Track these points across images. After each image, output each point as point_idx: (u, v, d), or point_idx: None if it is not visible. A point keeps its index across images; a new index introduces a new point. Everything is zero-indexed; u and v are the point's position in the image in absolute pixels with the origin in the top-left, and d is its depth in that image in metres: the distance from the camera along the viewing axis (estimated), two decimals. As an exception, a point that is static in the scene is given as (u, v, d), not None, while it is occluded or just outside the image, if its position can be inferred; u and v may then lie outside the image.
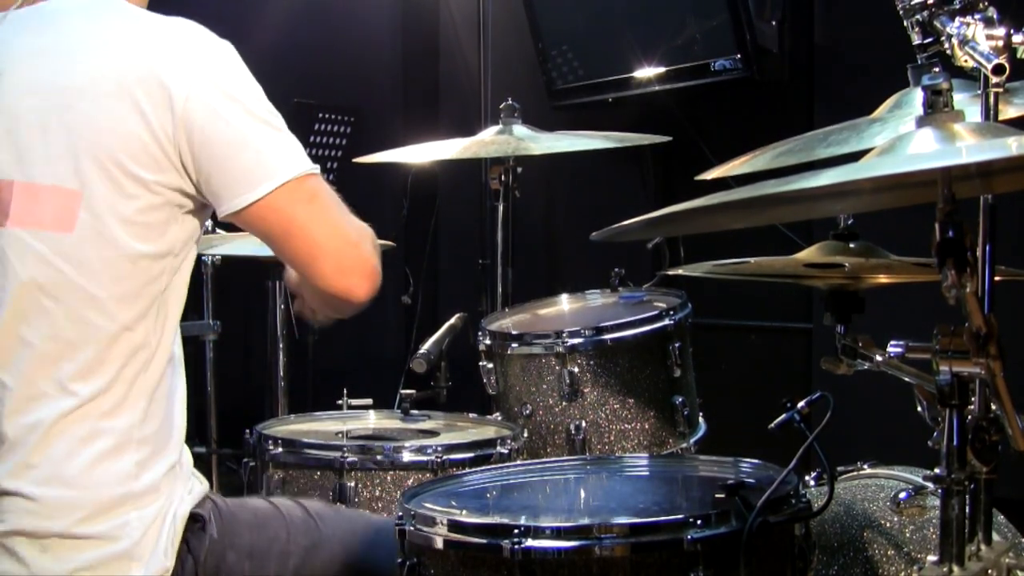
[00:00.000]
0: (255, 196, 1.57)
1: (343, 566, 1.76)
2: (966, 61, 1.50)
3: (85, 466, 1.55)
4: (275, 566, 1.70)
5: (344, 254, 1.62)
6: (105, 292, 1.56)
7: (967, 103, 1.63)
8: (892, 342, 1.70)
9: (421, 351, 2.68)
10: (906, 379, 1.71)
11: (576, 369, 2.45)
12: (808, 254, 1.99)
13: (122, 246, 1.56)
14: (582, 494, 1.86)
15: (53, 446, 1.54)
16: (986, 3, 1.52)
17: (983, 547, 1.51)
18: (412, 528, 1.59)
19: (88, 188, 1.54)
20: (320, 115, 4.35)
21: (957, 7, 1.54)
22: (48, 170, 1.55)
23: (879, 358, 1.78)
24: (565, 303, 2.86)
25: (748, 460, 1.80)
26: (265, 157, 1.58)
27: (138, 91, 1.54)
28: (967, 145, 1.39)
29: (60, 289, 1.55)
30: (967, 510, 1.44)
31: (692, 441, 2.54)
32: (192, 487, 1.67)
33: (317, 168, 1.63)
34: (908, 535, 1.92)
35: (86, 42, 1.59)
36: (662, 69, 3.61)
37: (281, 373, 3.37)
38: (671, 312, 2.51)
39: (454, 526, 1.55)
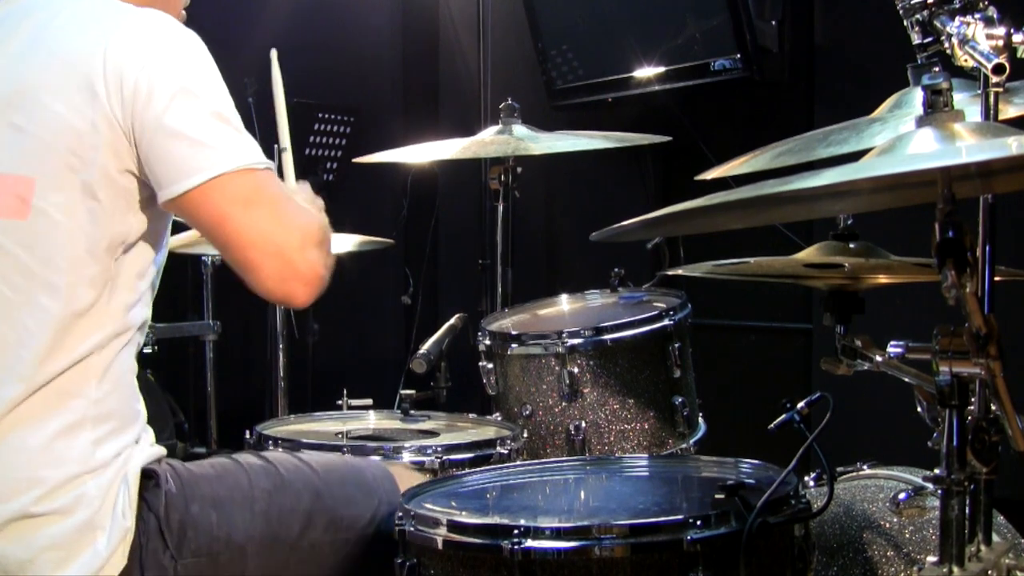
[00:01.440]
0: (188, 185, 1.55)
1: (311, 503, 1.75)
2: (966, 61, 1.50)
3: (41, 446, 1.55)
4: (241, 512, 1.69)
5: (283, 259, 1.57)
6: (61, 278, 1.56)
7: (967, 103, 1.63)
8: (892, 342, 1.70)
9: (421, 351, 2.67)
10: (906, 379, 1.71)
11: (576, 369, 2.45)
12: (808, 254, 1.98)
13: (76, 233, 1.56)
14: (582, 494, 1.86)
15: (12, 429, 1.54)
16: (986, 3, 1.52)
17: (983, 548, 1.51)
18: (412, 528, 1.59)
19: (42, 175, 1.55)
20: (320, 115, 4.35)
21: (957, 7, 1.53)
22: (3, 157, 1.56)
23: (879, 358, 1.78)
24: (565, 303, 2.86)
25: (748, 460, 1.81)
26: (205, 148, 1.56)
27: (95, 75, 1.55)
28: (967, 145, 1.39)
29: (16, 276, 1.56)
30: (967, 511, 1.44)
31: (692, 441, 2.53)
32: (144, 448, 1.66)
33: (267, 164, 1.60)
34: (908, 536, 1.92)
35: (48, 30, 1.61)
36: (662, 69, 3.61)
37: (281, 373, 3.37)
38: (671, 312, 2.51)
39: (454, 526, 1.56)
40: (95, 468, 1.57)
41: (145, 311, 1.67)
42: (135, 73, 1.55)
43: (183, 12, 1.82)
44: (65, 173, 1.55)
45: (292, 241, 1.58)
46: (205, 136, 1.57)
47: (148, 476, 1.63)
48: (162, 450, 1.69)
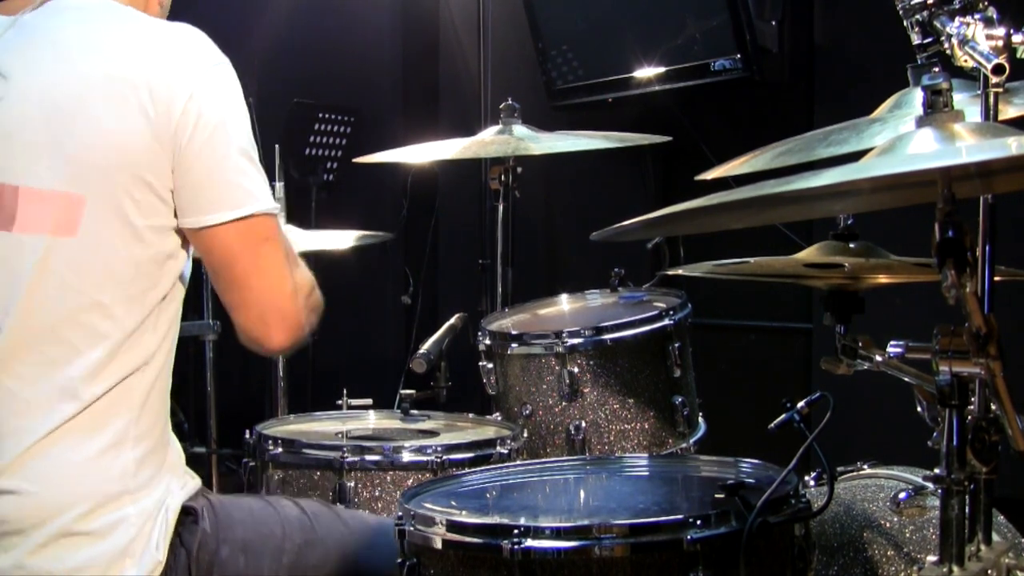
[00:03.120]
0: (217, 219, 1.60)
1: (338, 563, 1.76)
2: (966, 61, 1.50)
3: (85, 463, 1.56)
4: (269, 562, 1.71)
5: (272, 304, 1.63)
6: (107, 297, 1.57)
7: (967, 103, 1.63)
8: (892, 342, 1.70)
9: (421, 351, 2.67)
10: (906, 379, 1.71)
11: (576, 369, 2.45)
12: (808, 254, 1.98)
13: (125, 251, 1.57)
14: (582, 494, 1.86)
15: (56, 445, 1.55)
16: (986, 3, 1.52)
17: (983, 547, 1.50)
18: (411, 528, 1.59)
19: (92, 192, 1.56)
20: (320, 115, 4.36)
21: (957, 7, 1.53)
22: (52, 175, 1.56)
23: (879, 358, 1.78)
24: (565, 303, 2.86)
25: (748, 460, 1.80)
26: (234, 187, 1.61)
27: (143, 93, 1.55)
28: (967, 145, 1.39)
29: (64, 294, 1.56)
30: (967, 510, 1.44)
31: (692, 441, 2.53)
32: (185, 482, 1.68)
33: (277, 208, 1.66)
34: (908, 535, 1.92)
35: (92, 46, 1.60)
36: (662, 69, 3.61)
37: (281, 373, 3.37)
38: (671, 312, 2.51)
39: (453, 526, 1.55)
40: (136, 490, 1.59)
41: (177, 329, 1.69)
42: (184, 99, 1.57)
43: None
44: (114, 191, 1.56)
45: (286, 288, 1.64)
46: (238, 175, 1.60)
47: (187, 512, 1.65)
48: (198, 482, 1.71)
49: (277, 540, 1.73)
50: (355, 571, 1.77)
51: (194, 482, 1.70)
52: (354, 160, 3.29)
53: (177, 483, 1.66)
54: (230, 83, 1.64)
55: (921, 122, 1.46)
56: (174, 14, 1.80)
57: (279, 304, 1.63)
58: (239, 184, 1.61)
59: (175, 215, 1.61)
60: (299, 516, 1.78)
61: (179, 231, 1.63)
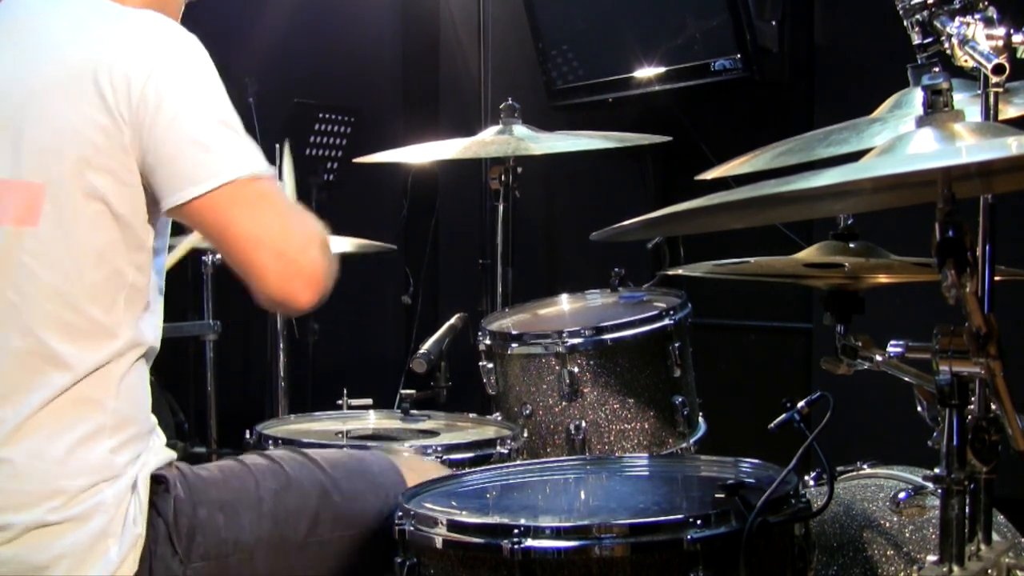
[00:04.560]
0: (196, 192, 1.55)
1: (318, 500, 1.75)
2: (966, 61, 1.50)
3: (62, 457, 1.55)
4: (248, 513, 1.69)
5: (286, 258, 1.57)
6: (72, 286, 1.55)
7: (967, 103, 1.63)
8: (892, 342, 1.70)
9: (421, 351, 2.68)
10: (906, 379, 1.71)
11: (576, 369, 2.45)
12: (808, 254, 1.99)
13: (86, 239, 1.56)
14: (582, 494, 1.86)
15: (30, 437, 1.54)
16: (986, 3, 1.52)
17: (983, 547, 1.51)
18: (412, 528, 1.59)
19: (51, 181, 1.55)
20: (320, 115, 4.35)
21: (957, 7, 1.53)
22: (11, 164, 1.56)
23: (879, 358, 1.78)
24: (565, 303, 2.86)
25: (748, 460, 1.80)
26: (212, 155, 1.56)
27: (102, 79, 1.54)
28: (967, 145, 1.39)
29: (27, 284, 1.55)
30: (967, 510, 1.44)
31: (692, 441, 2.53)
32: (156, 452, 1.67)
33: (269, 171, 1.61)
34: (908, 535, 1.92)
35: (50, 34, 1.60)
36: (662, 69, 3.61)
37: (281, 373, 3.37)
38: (671, 312, 2.51)
39: (454, 526, 1.55)
40: (112, 476, 1.58)
41: (157, 318, 1.67)
42: (142, 80, 1.55)
43: (180, 11, 1.80)
44: (74, 179, 1.54)
45: (295, 241, 1.59)
46: (212, 143, 1.57)
47: (158, 481, 1.64)
48: (172, 454, 1.70)
49: (252, 491, 1.71)
50: (337, 506, 1.76)
51: (165, 452, 1.68)
52: (354, 160, 3.29)
53: (154, 459, 1.65)
54: (191, 58, 1.60)
55: (921, 122, 1.46)
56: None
57: (294, 258, 1.58)
58: (212, 152, 1.56)
59: (154, 200, 1.59)
60: (269, 465, 1.77)
61: (151, 219, 1.60)
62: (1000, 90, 1.51)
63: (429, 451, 2.17)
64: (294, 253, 1.58)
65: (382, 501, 1.79)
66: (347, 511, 1.77)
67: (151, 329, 1.65)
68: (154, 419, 1.69)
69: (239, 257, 1.59)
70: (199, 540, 1.64)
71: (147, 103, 1.54)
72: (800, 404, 1.71)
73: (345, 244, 3.12)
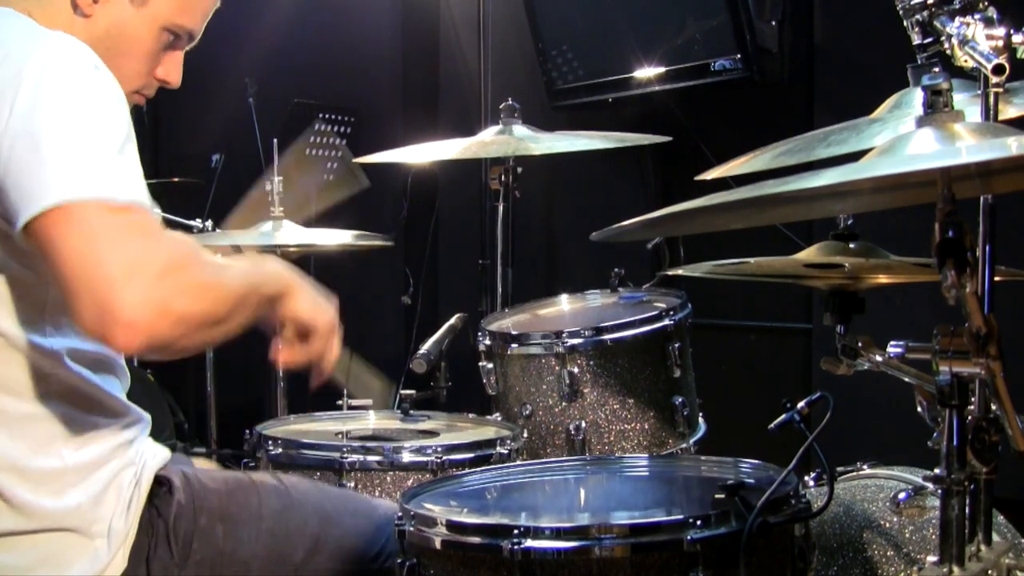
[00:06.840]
0: (21, 221, 1.37)
1: (318, 525, 1.75)
2: (966, 61, 1.50)
3: (17, 470, 1.52)
4: (247, 529, 1.69)
5: (97, 294, 1.34)
6: None
7: (967, 103, 1.63)
8: (892, 342, 1.70)
9: (421, 351, 2.68)
10: (906, 379, 1.71)
11: (576, 369, 2.45)
12: (808, 254, 1.98)
13: None
14: (582, 494, 1.86)
15: None
16: (986, 3, 1.52)
17: (983, 547, 1.51)
18: (411, 528, 1.59)
19: None
20: (320, 115, 4.36)
21: (957, 7, 1.53)
22: None
23: (879, 358, 1.78)
24: (565, 303, 2.86)
25: (748, 460, 1.80)
26: (40, 180, 1.37)
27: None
28: (967, 145, 1.39)
29: None
30: (967, 510, 1.44)
31: (692, 441, 2.53)
32: (155, 452, 1.66)
33: (122, 196, 1.39)
34: (908, 535, 1.92)
35: None
36: (662, 69, 3.61)
37: (281, 373, 3.36)
38: (671, 312, 2.51)
39: (453, 526, 1.55)
40: (75, 473, 1.55)
41: (65, 317, 1.53)
42: (27, 92, 1.41)
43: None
44: None
45: (113, 272, 1.35)
46: (49, 164, 1.39)
47: (160, 483, 1.64)
48: (167, 452, 1.69)
49: (254, 507, 1.71)
50: (337, 538, 1.76)
51: (164, 452, 1.67)
52: (354, 160, 3.29)
53: (149, 453, 1.64)
54: (54, 69, 1.44)
55: (921, 122, 1.46)
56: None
57: (102, 293, 1.34)
58: (51, 172, 1.37)
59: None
60: (275, 485, 1.77)
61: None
62: (1000, 90, 1.51)
63: (429, 451, 2.17)
64: (107, 285, 1.35)
65: (383, 544, 1.79)
66: (347, 545, 1.77)
67: (61, 326, 1.54)
68: (138, 414, 1.67)
69: (63, 293, 1.40)
70: (196, 547, 1.64)
71: (16, 123, 1.40)
72: (800, 404, 1.71)
73: (344, 237, 3.13)
